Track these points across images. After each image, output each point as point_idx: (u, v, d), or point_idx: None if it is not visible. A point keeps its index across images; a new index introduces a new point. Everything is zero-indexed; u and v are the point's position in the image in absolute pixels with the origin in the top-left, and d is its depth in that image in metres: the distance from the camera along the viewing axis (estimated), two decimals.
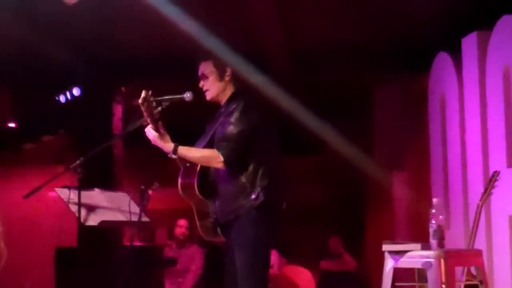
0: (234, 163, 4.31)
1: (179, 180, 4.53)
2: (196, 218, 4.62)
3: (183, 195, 4.54)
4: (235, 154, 4.30)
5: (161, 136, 4.39)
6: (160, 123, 4.40)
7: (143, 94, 4.31)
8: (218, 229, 4.47)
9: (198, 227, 4.63)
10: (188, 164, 4.50)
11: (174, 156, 4.40)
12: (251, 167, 4.32)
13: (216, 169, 4.42)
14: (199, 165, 4.46)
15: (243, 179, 4.31)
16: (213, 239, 4.62)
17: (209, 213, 4.50)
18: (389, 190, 9.14)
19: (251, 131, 4.32)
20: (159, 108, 4.39)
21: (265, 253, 4.39)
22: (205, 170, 4.46)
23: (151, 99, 4.32)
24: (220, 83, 4.51)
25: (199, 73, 4.57)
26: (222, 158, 4.29)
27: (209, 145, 4.46)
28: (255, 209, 4.27)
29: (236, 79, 4.53)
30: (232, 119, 4.34)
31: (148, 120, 4.39)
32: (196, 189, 4.44)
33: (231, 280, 4.42)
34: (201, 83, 4.56)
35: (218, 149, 4.31)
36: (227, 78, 4.51)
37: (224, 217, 4.41)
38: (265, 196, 4.28)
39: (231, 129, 4.32)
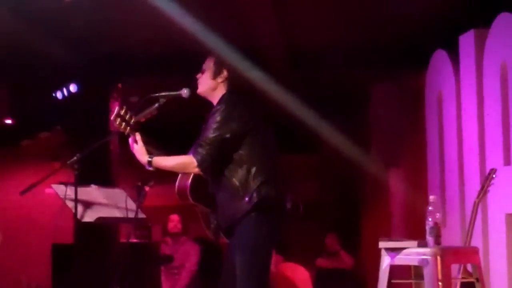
0: (210, 168, 4.27)
1: (176, 186, 4.52)
2: (202, 223, 4.59)
3: (180, 200, 4.51)
4: (209, 159, 4.23)
5: (138, 148, 4.40)
6: (138, 134, 4.40)
7: (116, 110, 4.32)
8: (221, 233, 4.43)
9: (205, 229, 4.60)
10: None
11: (150, 169, 4.40)
12: (242, 169, 4.26)
13: (211, 176, 4.38)
14: None
15: (235, 182, 4.26)
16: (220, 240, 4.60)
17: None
18: (386, 187, 9.15)
19: (232, 134, 4.25)
20: (156, 105, 4.41)
21: (264, 256, 4.32)
22: (200, 176, 4.42)
23: (125, 115, 4.33)
24: (211, 81, 4.46)
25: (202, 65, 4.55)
26: (196, 164, 4.25)
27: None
28: (253, 212, 4.22)
29: (231, 83, 4.45)
30: (212, 124, 4.27)
31: (125, 133, 4.41)
32: (188, 195, 4.43)
33: (228, 280, 4.40)
34: (198, 75, 4.52)
35: (194, 154, 4.27)
36: (219, 80, 4.45)
37: (224, 223, 4.37)
38: (260, 197, 4.21)
39: (208, 133, 4.25)
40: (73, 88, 8.34)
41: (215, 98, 4.46)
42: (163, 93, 4.44)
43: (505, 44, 5.77)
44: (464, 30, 6.42)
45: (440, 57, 7.01)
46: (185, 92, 4.44)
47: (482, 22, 6.20)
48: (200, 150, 4.25)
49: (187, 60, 7.12)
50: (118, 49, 7.76)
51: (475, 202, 5.33)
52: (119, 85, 8.62)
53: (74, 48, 7.52)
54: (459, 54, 6.54)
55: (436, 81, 7.17)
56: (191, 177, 4.44)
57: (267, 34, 7.41)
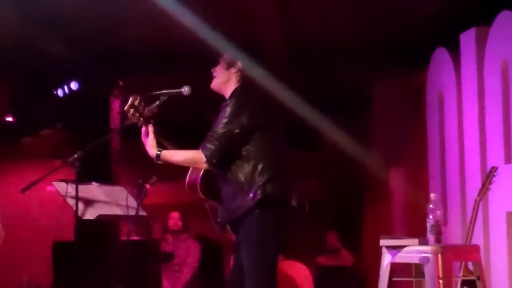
0: (218, 163, 4.27)
1: (186, 180, 4.52)
2: (211, 218, 4.58)
3: (190, 194, 4.51)
4: (218, 155, 4.24)
5: (149, 140, 4.39)
6: (151, 126, 4.40)
7: (130, 101, 4.31)
8: (228, 228, 4.42)
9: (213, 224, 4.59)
10: None
11: (159, 162, 4.39)
12: (248, 165, 4.24)
13: (218, 170, 4.39)
14: None
15: (241, 178, 4.24)
16: (228, 235, 4.59)
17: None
18: (387, 185, 9.15)
19: (241, 129, 4.24)
20: (157, 102, 4.40)
21: (271, 253, 4.30)
22: (211, 170, 4.41)
23: (139, 106, 4.33)
24: (225, 71, 4.45)
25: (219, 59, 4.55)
26: (204, 159, 4.25)
27: None
28: (257, 209, 4.20)
29: (243, 77, 4.45)
30: (222, 118, 4.27)
31: (138, 124, 4.40)
32: (199, 189, 4.43)
33: (237, 276, 4.40)
34: (213, 69, 4.52)
35: (203, 149, 4.27)
36: (233, 70, 4.44)
37: (227, 218, 4.36)
38: (264, 194, 4.19)
39: (217, 129, 4.25)
40: (74, 85, 8.34)
41: (227, 92, 4.45)
42: (164, 91, 4.43)
43: (506, 42, 5.77)
44: (465, 28, 6.41)
45: (441, 55, 7.00)
46: (186, 90, 4.43)
47: (483, 20, 6.20)
48: (209, 145, 4.25)
49: (188, 58, 7.13)
50: (119, 46, 7.76)
51: (476, 200, 5.33)
52: (120, 82, 8.62)
53: (75, 46, 7.52)
54: (460, 52, 6.54)
55: (437, 79, 7.17)
56: (202, 171, 4.44)
57: (268, 32, 7.40)
